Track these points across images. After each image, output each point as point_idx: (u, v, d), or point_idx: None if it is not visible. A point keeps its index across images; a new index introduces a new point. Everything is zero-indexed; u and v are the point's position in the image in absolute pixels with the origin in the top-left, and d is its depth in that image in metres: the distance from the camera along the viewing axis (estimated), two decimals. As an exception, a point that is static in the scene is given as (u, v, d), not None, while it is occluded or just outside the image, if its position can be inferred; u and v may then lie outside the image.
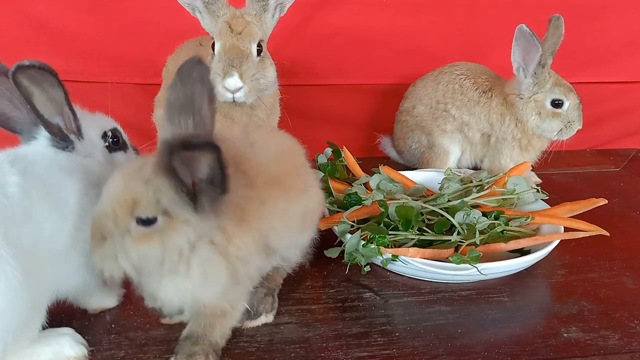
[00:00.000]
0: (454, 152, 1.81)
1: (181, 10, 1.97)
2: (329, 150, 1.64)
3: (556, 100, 1.66)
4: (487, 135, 1.77)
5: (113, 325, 1.06)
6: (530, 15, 2.13)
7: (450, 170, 1.51)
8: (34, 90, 0.91)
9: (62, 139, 0.98)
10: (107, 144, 1.08)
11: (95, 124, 1.07)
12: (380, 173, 1.49)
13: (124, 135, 1.14)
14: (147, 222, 0.84)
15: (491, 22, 2.10)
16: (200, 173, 0.81)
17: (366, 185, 1.47)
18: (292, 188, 1.00)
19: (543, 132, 1.69)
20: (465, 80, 1.77)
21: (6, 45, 1.89)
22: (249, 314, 1.07)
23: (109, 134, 1.08)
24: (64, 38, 1.91)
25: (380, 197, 1.35)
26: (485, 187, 1.40)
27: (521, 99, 1.68)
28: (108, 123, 1.11)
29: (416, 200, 1.36)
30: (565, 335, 1.07)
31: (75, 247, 0.94)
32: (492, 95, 1.73)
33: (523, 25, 1.58)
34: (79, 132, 1.01)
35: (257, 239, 0.93)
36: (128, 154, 1.13)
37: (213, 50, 1.35)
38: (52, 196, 0.91)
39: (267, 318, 1.08)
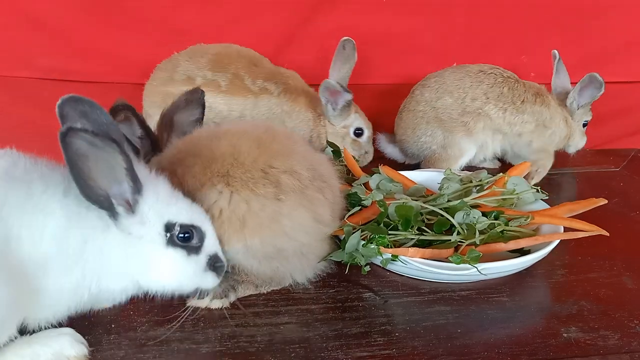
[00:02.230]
0: (467, 155, 1.81)
1: (181, 10, 1.98)
2: (328, 150, 1.65)
3: (586, 121, 1.91)
4: (528, 140, 1.82)
5: (113, 325, 1.06)
6: (530, 15, 2.14)
7: (450, 170, 1.51)
8: (90, 152, 0.86)
9: (102, 207, 0.92)
10: (168, 235, 0.97)
11: (166, 209, 0.97)
12: (379, 173, 1.49)
13: (206, 239, 1.01)
14: None
15: (491, 22, 2.10)
16: (137, 131, 1.15)
17: (366, 185, 1.47)
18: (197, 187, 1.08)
19: (574, 148, 1.93)
20: (515, 84, 1.79)
21: (6, 45, 1.89)
22: (198, 294, 1.08)
23: (178, 228, 0.97)
24: (64, 38, 1.91)
25: (379, 197, 1.35)
26: (485, 187, 1.40)
27: (572, 120, 1.87)
28: (188, 215, 0.99)
29: (416, 200, 1.36)
30: (565, 335, 1.07)
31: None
32: (543, 103, 1.81)
33: (596, 74, 1.76)
34: (130, 207, 0.94)
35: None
36: (194, 259, 1.00)
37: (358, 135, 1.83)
38: None
39: (211, 303, 1.10)
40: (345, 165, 1.59)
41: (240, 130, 1.21)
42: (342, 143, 1.78)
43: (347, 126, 1.80)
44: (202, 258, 1.01)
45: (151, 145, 1.22)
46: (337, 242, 1.26)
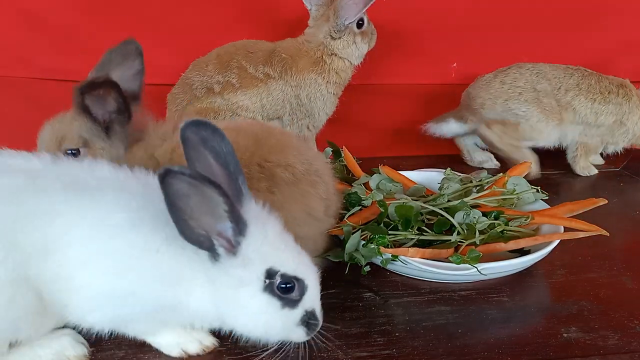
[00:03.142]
0: (542, 142, 1.87)
1: (181, 10, 1.98)
2: (329, 150, 1.65)
3: None
4: (600, 133, 1.89)
5: (113, 325, 1.06)
6: (530, 15, 2.14)
7: (450, 170, 1.52)
8: (191, 192, 0.82)
9: (202, 247, 0.88)
10: (267, 282, 0.89)
11: (272, 254, 0.90)
12: (379, 173, 1.49)
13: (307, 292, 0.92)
14: (73, 154, 1.16)
15: (491, 22, 2.10)
16: (110, 106, 1.15)
17: (366, 185, 1.47)
18: None
19: None
20: (599, 77, 1.87)
21: (6, 45, 1.89)
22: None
23: (279, 278, 0.89)
24: (64, 37, 1.91)
25: (379, 197, 1.35)
26: (485, 187, 1.40)
27: None
28: (294, 266, 0.91)
29: (416, 200, 1.36)
30: (565, 335, 1.07)
31: None
32: (625, 95, 1.87)
33: None
34: (232, 248, 0.88)
35: None
36: (288, 312, 0.91)
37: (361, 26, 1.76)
38: None
39: None
40: (346, 165, 1.59)
41: (238, 127, 1.21)
42: (356, 47, 1.76)
43: (350, 29, 1.74)
44: (297, 312, 0.92)
45: (128, 119, 1.19)
46: (337, 242, 1.26)
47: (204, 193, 0.82)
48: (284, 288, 0.90)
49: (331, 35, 1.73)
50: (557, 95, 1.84)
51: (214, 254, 0.89)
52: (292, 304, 0.91)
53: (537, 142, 1.88)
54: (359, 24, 1.75)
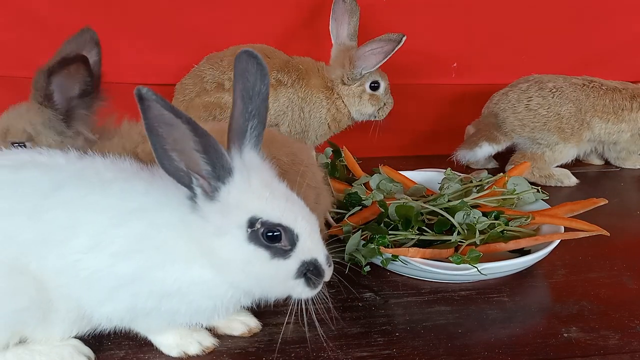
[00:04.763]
0: (566, 160, 1.88)
1: (181, 11, 1.98)
2: (329, 150, 1.65)
3: None
4: (621, 148, 1.92)
5: (113, 325, 1.06)
6: (530, 15, 2.14)
7: (450, 170, 1.52)
8: (175, 122, 0.79)
9: (181, 182, 0.85)
10: (249, 231, 0.85)
11: (254, 202, 0.86)
12: (380, 173, 1.49)
13: (296, 239, 0.87)
14: (21, 146, 1.10)
15: (491, 22, 2.10)
16: (74, 90, 1.10)
17: (366, 185, 1.47)
18: None
19: None
20: (613, 94, 1.86)
21: (6, 45, 1.89)
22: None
23: (259, 225, 0.85)
24: (64, 38, 1.91)
25: (380, 197, 1.35)
26: (485, 187, 1.40)
27: None
28: (278, 214, 0.85)
29: (416, 200, 1.36)
30: (565, 335, 1.07)
31: None
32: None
33: None
34: (210, 192, 0.85)
35: None
36: (280, 263, 0.86)
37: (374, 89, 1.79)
38: None
39: None
40: (346, 165, 1.59)
41: (222, 128, 1.21)
42: (360, 102, 1.77)
43: (362, 83, 1.76)
44: (291, 263, 0.87)
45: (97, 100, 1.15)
46: (338, 241, 1.26)
47: (178, 126, 0.79)
48: (270, 236, 0.85)
49: (342, 81, 1.75)
50: (580, 114, 1.84)
51: (191, 193, 0.86)
52: (282, 253, 0.86)
53: (560, 163, 1.89)
54: (373, 86, 1.77)
